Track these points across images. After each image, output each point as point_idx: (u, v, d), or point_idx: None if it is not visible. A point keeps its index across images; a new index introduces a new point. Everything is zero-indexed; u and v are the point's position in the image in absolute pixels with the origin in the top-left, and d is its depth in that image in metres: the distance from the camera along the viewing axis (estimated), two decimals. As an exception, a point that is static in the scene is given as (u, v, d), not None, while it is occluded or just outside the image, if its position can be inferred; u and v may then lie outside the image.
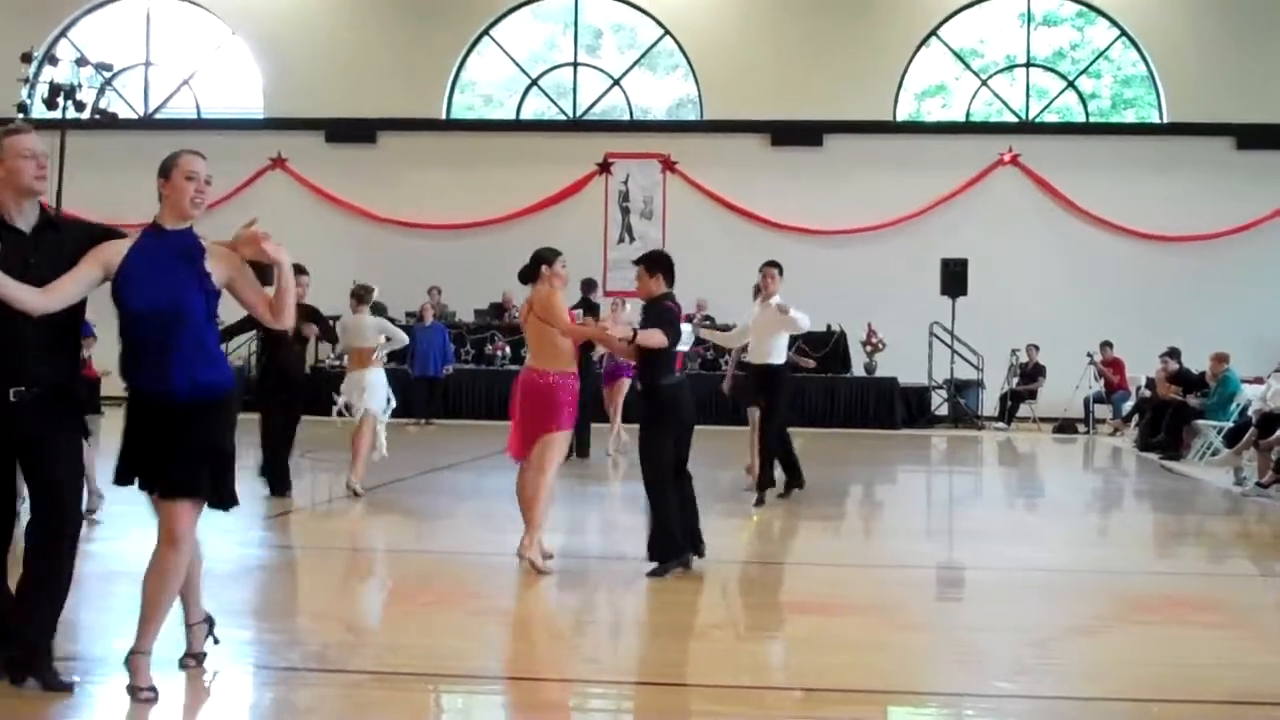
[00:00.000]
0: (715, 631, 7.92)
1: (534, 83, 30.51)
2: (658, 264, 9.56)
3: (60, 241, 5.81)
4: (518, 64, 30.48)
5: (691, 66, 29.77)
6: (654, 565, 9.09)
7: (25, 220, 5.78)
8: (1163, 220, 28.08)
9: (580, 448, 17.20)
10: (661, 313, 9.36)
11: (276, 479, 13.26)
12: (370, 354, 13.78)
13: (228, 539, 10.44)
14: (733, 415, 17.82)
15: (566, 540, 10.34)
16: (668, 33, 29.88)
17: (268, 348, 13.62)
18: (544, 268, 9.49)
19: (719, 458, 16.00)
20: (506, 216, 28.95)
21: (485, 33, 30.20)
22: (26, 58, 26.88)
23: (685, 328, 9.53)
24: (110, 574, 8.56)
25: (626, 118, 30.44)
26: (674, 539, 9.17)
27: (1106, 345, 26.33)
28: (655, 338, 9.21)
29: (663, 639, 7.75)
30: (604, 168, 29.55)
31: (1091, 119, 29.69)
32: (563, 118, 30.46)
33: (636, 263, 9.76)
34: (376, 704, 6.00)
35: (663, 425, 9.31)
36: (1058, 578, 9.96)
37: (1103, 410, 26.49)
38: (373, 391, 13.70)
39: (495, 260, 27.55)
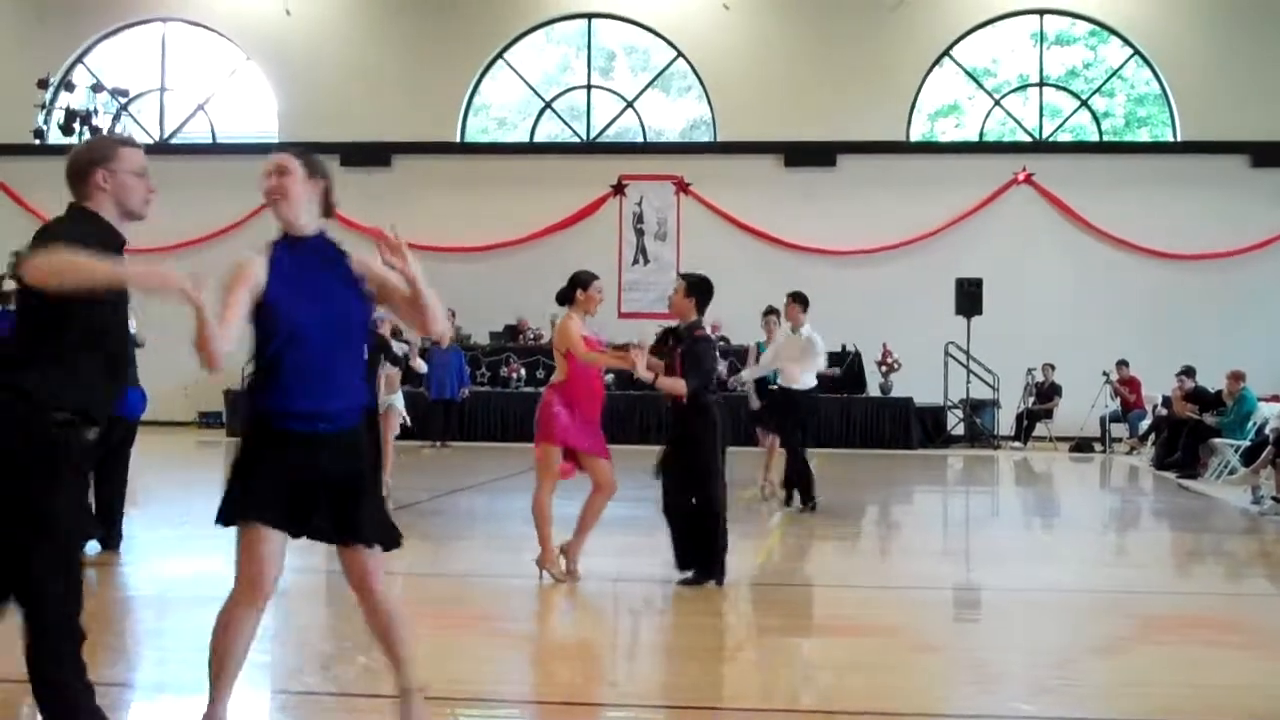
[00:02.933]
0: (734, 654, 7.92)
1: (548, 105, 30.59)
2: (697, 289, 9.63)
3: None
4: (531, 87, 30.56)
5: (705, 88, 29.82)
6: (689, 576, 9.37)
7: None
8: (1178, 239, 28.04)
9: None
10: (699, 356, 9.42)
11: None
12: (395, 380, 14.41)
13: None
14: (746, 436, 17.90)
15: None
16: (681, 55, 29.93)
17: None
18: (578, 291, 9.58)
19: (735, 477, 15.93)
20: (521, 239, 29.01)
21: (499, 56, 30.29)
22: (43, 84, 27.06)
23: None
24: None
25: (640, 140, 30.49)
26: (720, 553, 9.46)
27: (1122, 364, 26.28)
28: (677, 387, 9.32)
29: (680, 661, 7.74)
30: (618, 189, 29.59)
31: (1105, 138, 29.67)
32: (576, 140, 30.53)
33: (683, 276, 9.92)
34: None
35: (710, 440, 9.42)
36: (1075, 598, 9.95)
37: (1119, 429, 26.44)
38: (394, 413, 14.42)
39: (510, 283, 27.68)
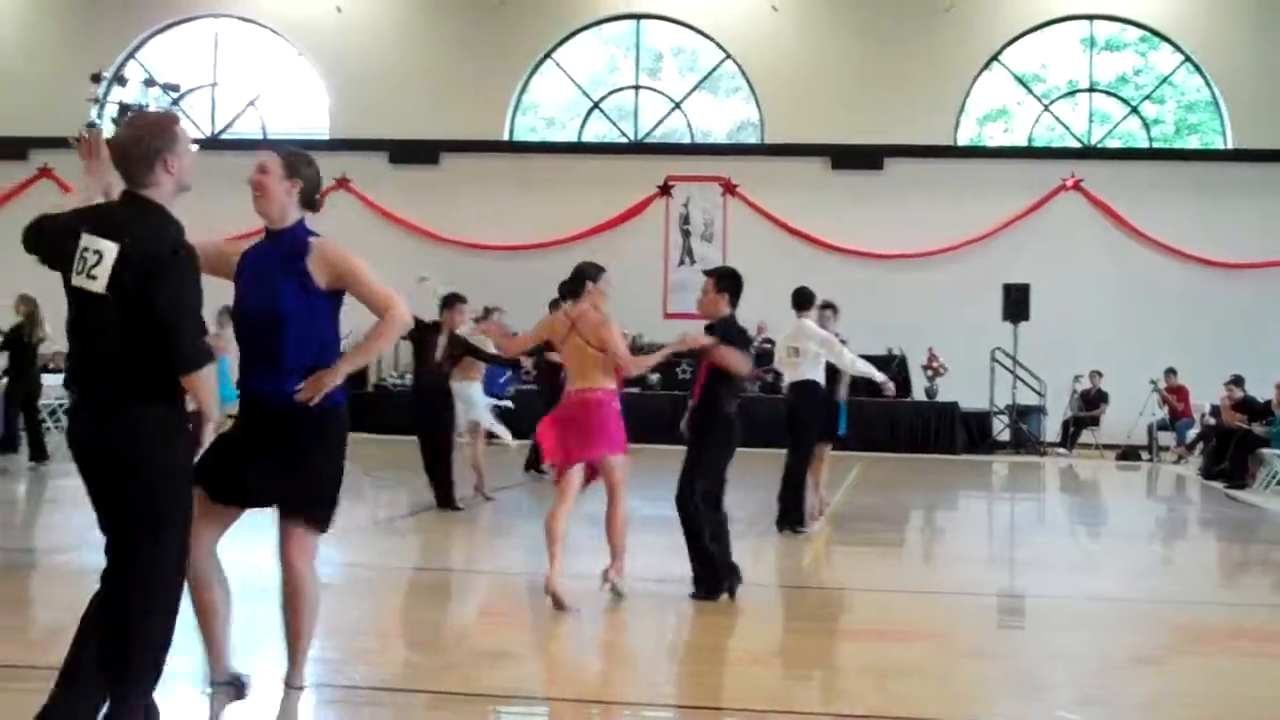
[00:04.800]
0: (774, 657, 7.90)
1: (596, 105, 30.63)
2: (727, 281, 9.29)
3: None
4: (580, 87, 30.61)
5: (753, 89, 29.79)
6: (700, 589, 9.02)
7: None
8: (1227, 246, 27.83)
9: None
10: (742, 335, 9.19)
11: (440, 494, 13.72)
12: (473, 366, 14.50)
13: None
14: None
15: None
16: (729, 56, 29.92)
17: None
18: (588, 284, 9.05)
19: (777, 481, 15.85)
20: (568, 238, 29.03)
21: (548, 55, 30.35)
22: (96, 78, 27.01)
23: None
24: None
25: (687, 140, 30.52)
26: (715, 566, 9.02)
27: (1170, 372, 26.09)
28: (736, 359, 8.99)
29: (721, 664, 7.74)
30: (665, 190, 29.59)
31: (1155, 144, 29.48)
32: (624, 140, 30.55)
33: (708, 273, 9.50)
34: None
35: (717, 448, 9.15)
36: (1121, 607, 9.90)
37: (1166, 438, 26.26)
38: (476, 404, 14.47)
39: (557, 282, 27.56)
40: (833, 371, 13.53)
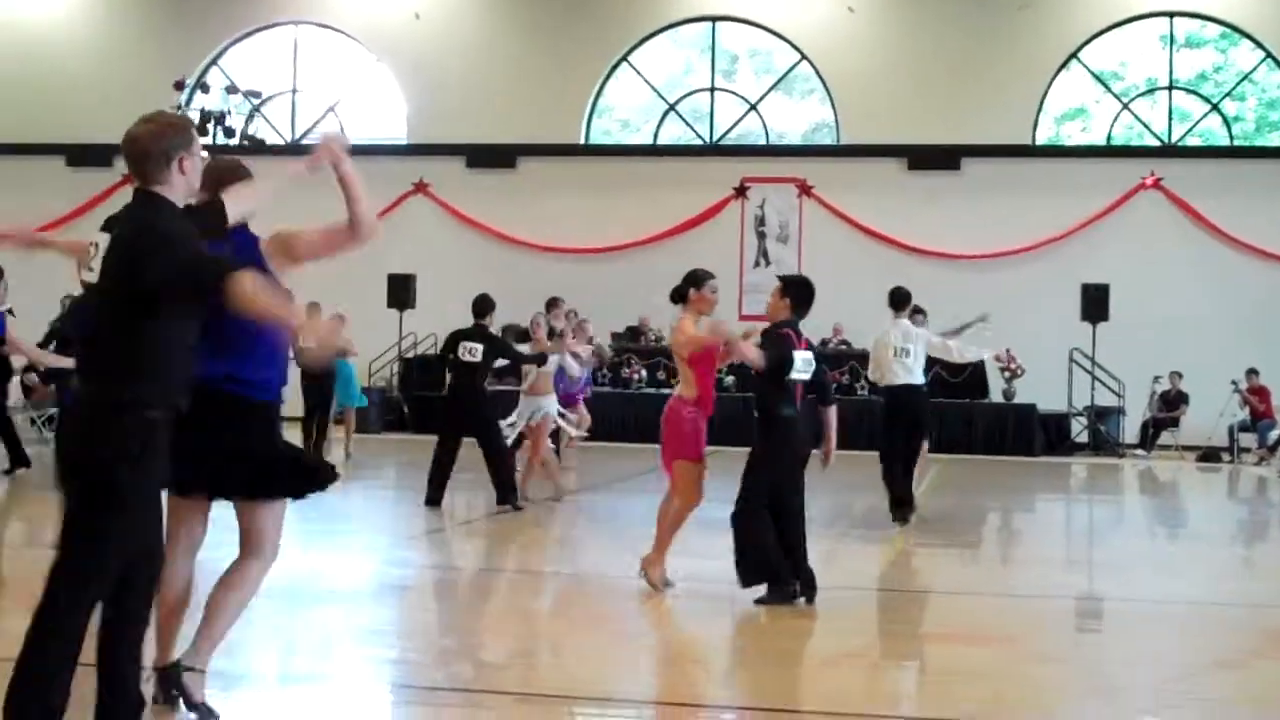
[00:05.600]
0: (847, 660, 7.89)
1: (671, 107, 30.70)
2: (792, 289, 9.34)
3: None
4: (655, 89, 30.69)
5: (828, 90, 29.75)
6: (764, 593, 8.99)
7: None
8: (1311, 245, 27.51)
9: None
10: (776, 341, 9.13)
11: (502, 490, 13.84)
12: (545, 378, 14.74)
13: (373, 557, 10.68)
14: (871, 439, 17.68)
15: (686, 564, 9.78)
16: (804, 57, 29.88)
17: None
18: (691, 290, 9.27)
19: (855, 482, 15.88)
20: (644, 240, 29.12)
21: (624, 58, 30.46)
22: (179, 85, 27.72)
23: (806, 355, 9.18)
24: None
25: (763, 142, 30.52)
26: (769, 561, 8.98)
27: (1252, 373, 25.79)
28: (753, 352, 8.95)
29: (793, 666, 7.79)
30: (740, 192, 29.61)
31: (1236, 142, 29.17)
32: (699, 142, 30.61)
33: (780, 278, 9.73)
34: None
35: (771, 456, 9.14)
36: (1200, 610, 9.84)
37: (1248, 439, 25.97)
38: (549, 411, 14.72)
39: (632, 284, 27.74)
40: None
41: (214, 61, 31.21)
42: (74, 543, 4.91)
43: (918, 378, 13.57)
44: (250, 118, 28.62)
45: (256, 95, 28.67)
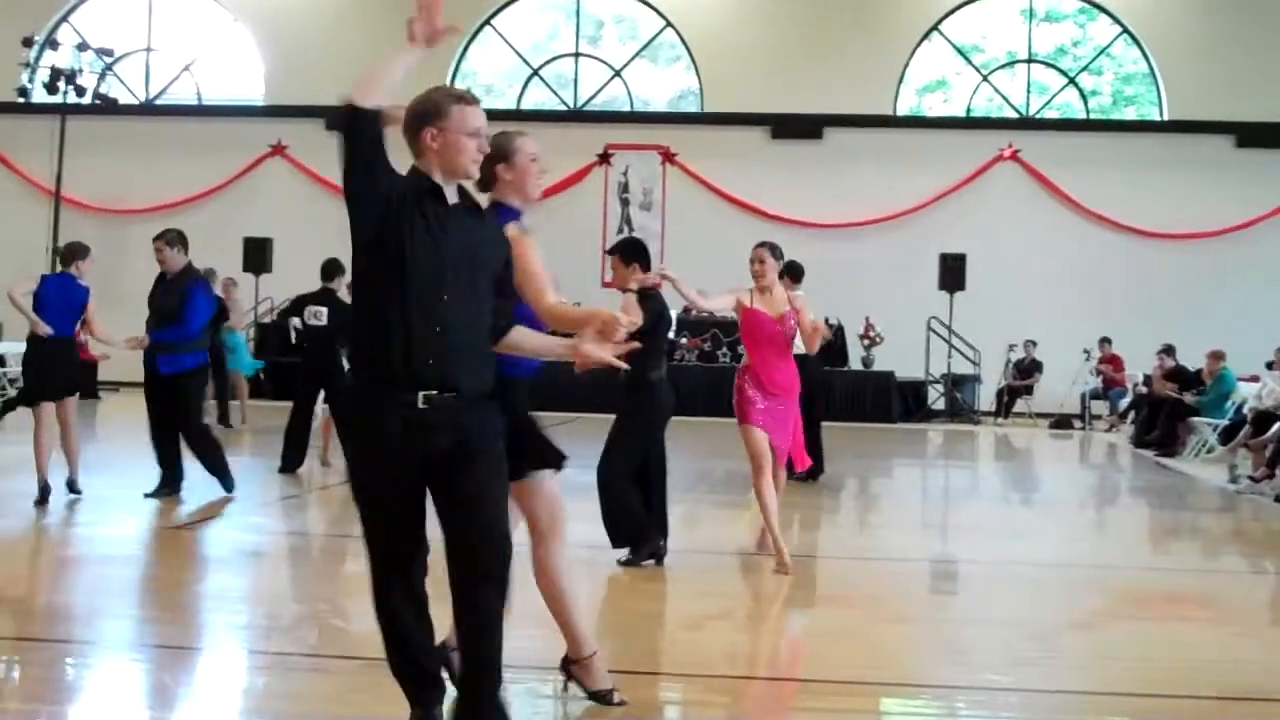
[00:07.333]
0: (709, 622, 7.90)
1: (535, 73, 30.51)
2: (627, 251, 9.13)
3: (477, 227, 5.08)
4: (519, 54, 30.47)
5: (693, 58, 29.76)
6: (627, 555, 9.03)
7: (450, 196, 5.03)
8: (1162, 217, 28.08)
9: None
10: (655, 297, 9.11)
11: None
12: None
13: (227, 523, 10.45)
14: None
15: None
16: (669, 24, 29.86)
17: None
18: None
19: (713, 448, 16.00)
20: (505, 206, 28.89)
21: (487, 22, 30.17)
22: (28, 42, 26.90)
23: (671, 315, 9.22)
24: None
25: (627, 109, 30.46)
26: (638, 524, 9.02)
27: (1105, 342, 26.33)
28: (635, 311, 8.57)
29: (655, 629, 7.75)
30: (604, 159, 29.54)
31: (1092, 116, 29.70)
32: (563, 108, 30.46)
33: (610, 252, 9.32)
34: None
35: (641, 418, 9.15)
36: (1052, 572, 9.99)
37: (1099, 406, 26.50)
38: None
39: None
40: None
41: (65, 18, 30.36)
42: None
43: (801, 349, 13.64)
44: (102, 77, 27.84)
45: (109, 53, 27.87)
